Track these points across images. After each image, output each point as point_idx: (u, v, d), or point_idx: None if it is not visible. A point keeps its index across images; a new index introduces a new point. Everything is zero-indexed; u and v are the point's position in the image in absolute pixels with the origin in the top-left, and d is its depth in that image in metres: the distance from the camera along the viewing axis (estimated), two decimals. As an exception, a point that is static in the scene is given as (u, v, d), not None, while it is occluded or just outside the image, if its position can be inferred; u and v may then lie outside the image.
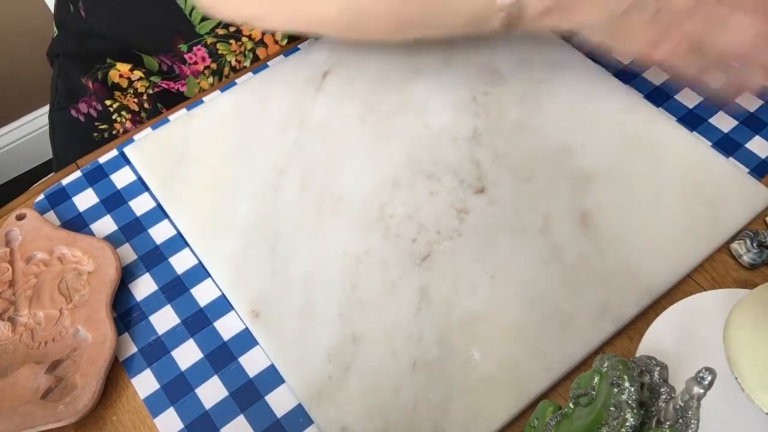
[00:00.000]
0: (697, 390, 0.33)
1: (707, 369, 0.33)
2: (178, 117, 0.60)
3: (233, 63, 0.68)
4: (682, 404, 0.35)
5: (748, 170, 0.56)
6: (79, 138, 0.73)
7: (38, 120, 1.56)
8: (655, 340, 0.47)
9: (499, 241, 0.52)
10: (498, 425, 0.45)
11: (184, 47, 0.70)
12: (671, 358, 0.43)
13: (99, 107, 0.73)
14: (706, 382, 0.33)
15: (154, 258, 0.53)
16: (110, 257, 0.51)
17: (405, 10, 0.52)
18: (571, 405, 0.39)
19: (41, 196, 0.57)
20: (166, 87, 0.72)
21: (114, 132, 0.74)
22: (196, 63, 0.71)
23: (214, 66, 0.71)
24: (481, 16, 0.51)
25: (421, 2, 0.52)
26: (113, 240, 0.54)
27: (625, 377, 0.36)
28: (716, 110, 0.60)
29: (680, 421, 0.35)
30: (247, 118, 0.59)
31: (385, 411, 0.45)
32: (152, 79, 0.72)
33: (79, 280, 0.51)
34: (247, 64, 0.70)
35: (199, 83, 0.71)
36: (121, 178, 0.57)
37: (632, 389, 0.36)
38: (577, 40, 0.64)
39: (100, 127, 0.73)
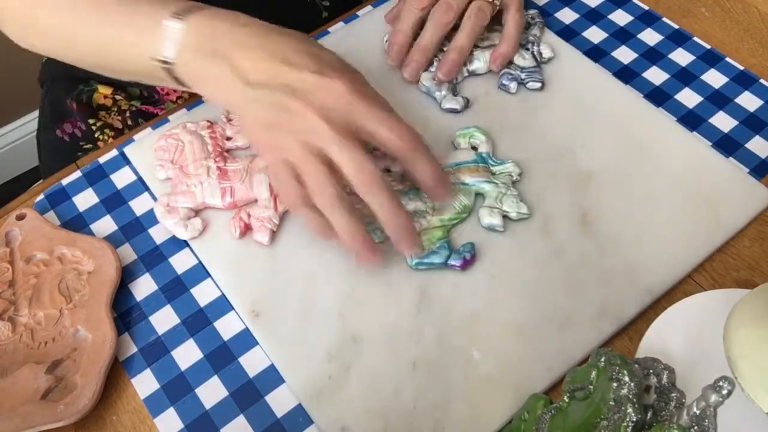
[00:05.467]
0: (715, 398, 0.33)
1: (725, 378, 0.33)
2: (178, 116, 0.60)
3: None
4: (698, 412, 0.35)
5: (748, 170, 0.56)
6: (64, 158, 0.73)
7: (34, 123, 1.56)
8: (655, 340, 0.47)
9: (499, 241, 0.52)
10: (498, 425, 0.45)
11: None
12: (671, 358, 0.43)
13: (83, 127, 0.73)
14: (725, 392, 0.33)
15: (154, 258, 0.53)
16: (110, 257, 0.51)
17: (103, 64, 0.53)
18: (566, 399, 0.39)
19: (41, 196, 0.57)
20: (146, 111, 0.72)
21: (98, 148, 0.74)
22: (168, 94, 0.71)
23: (186, 95, 0.72)
24: (156, 74, 0.50)
25: (107, 60, 0.52)
26: (113, 240, 0.54)
27: (625, 372, 0.36)
28: (716, 110, 0.60)
29: (695, 427, 0.35)
30: (247, 118, 0.59)
31: (385, 411, 0.45)
32: (132, 103, 0.72)
33: (79, 280, 0.51)
34: None
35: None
36: (121, 178, 0.57)
37: (632, 384, 0.36)
38: (576, 40, 0.64)
39: (85, 146, 0.74)
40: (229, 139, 0.57)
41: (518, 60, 0.61)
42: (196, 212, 0.54)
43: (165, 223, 0.53)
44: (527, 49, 0.61)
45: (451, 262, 0.50)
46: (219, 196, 0.53)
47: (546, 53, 0.61)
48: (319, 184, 0.45)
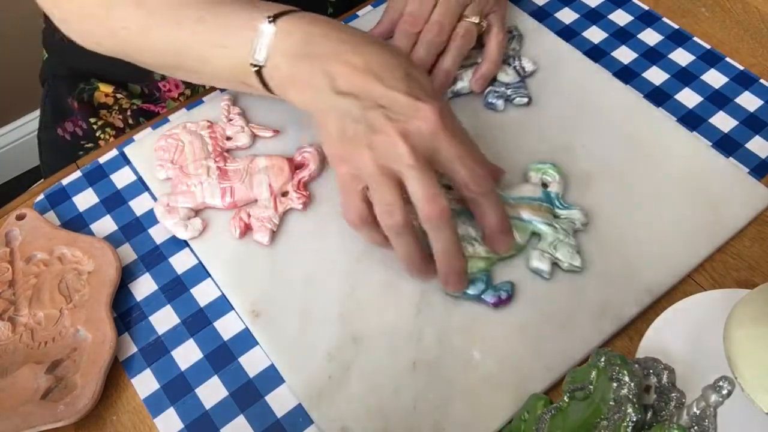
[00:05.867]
0: (715, 398, 0.33)
1: (725, 378, 0.33)
2: (178, 116, 0.60)
3: (207, 87, 0.67)
4: (698, 412, 0.35)
5: (748, 170, 0.56)
6: (65, 157, 0.73)
7: (33, 123, 1.56)
8: (655, 340, 0.47)
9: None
10: (498, 425, 0.45)
11: (157, 75, 0.71)
12: (671, 358, 0.43)
13: (84, 126, 0.73)
14: (725, 392, 0.33)
15: (154, 258, 0.53)
16: (110, 257, 0.51)
17: (179, 64, 0.52)
18: (566, 399, 0.39)
19: (41, 196, 0.57)
20: (147, 109, 0.72)
21: (99, 146, 0.74)
22: (170, 90, 0.71)
23: (188, 92, 0.72)
24: (241, 77, 0.49)
25: (185, 61, 0.51)
26: (113, 240, 0.54)
27: (625, 372, 0.36)
28: (716, 110, 0.60)
29: (695, 427, 0.35)
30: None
31: (385, 411, 0.45)
32: (134, 101, 0.72)
33: (79, 280, 0.51)
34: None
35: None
36: (121, 178, 0.57)
37: (632, 384, 0.36)
38: (576, 40, 0.64)
39: (86, 145, 0.74)
40: (229, 138, 0.57)
41: (501, 77, 0.59)
42: (196, 212, 0.54)
43: (165, 223, 0.53)
44: (509, 64, 0.60)
45: (485, 297, 0.48)
46: (219, 196, 0.53)
47: (528, 67, 0.60)
48: (388, 209, 0.45)
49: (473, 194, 0.46)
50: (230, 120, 0.58)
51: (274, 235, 0.52)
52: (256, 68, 0.48)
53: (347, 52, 0.46)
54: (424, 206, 0.44)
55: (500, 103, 0.58)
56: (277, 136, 0.58)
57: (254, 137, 0.58)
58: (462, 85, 0.59)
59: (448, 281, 0.47)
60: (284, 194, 0.54)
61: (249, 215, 0.53)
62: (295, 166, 0.55)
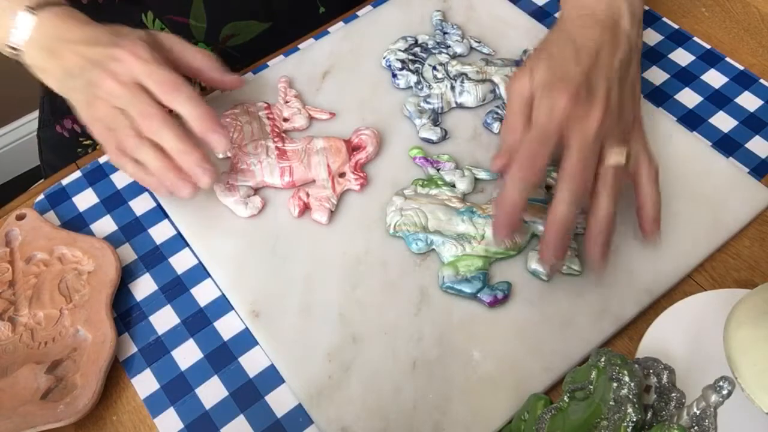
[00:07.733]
0: (715, 398, 0.33)
1: (725, 378, 0.33)
2: (178, 117, 0.60)
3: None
4: (698, 412, 0.35)
5: (748, 170, 0.56)
6: (65, 154, 0.73)
7: (33, 123, 1.56)
8: (656, 340, 0.47)
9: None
10: (498, 425, 0.45)
11: None
12: (671, 358, 0.43)
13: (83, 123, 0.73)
14: (725, 392, 0.33)
15: (154, 258, 0.53)
16: (110, 257, 0.51)
17: None
18: (566, 399, 0.39)
19: (41, 196, 0.57)
20: None
21: (97, 146, 0.74)
22: None
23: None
24: (3, 50, 0.54)
25: None
26: (113, 240, 0.54)
27: (625, 372, 0.36)
28: (716, 110, 0.60)
29: (695, 427, 0.35)
30: (247, 118, 0.59)
31: (385, 411, 0.45)
32: None
33: (79, 280, 0.51)
34: None
35: None
36: (121, 178, 0.57)
37: (632, 384, 0.36)
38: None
39: (84, 142, 0.73)
40: (286, 120, 0.58)
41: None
42: (255, 191, 0.54)
43: (225, 202, 0.54)
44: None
45: (481, 296, 0.48)
46: (278, 175, 0.54)
47: None
48: (127, 132, 0.50)
49: (163, 95, 0.51)
50: (287, 102, 0.59)
51: (331, 215, 0.53)
52: (14, 52, 0.53)
53: (76, 42, 0.52)
54: (137, 116, 0.50)
55: (496, 125, 0.57)
56: (333, 118, 0.59)
57: (311, 119, 0.59)
58: (468, 98, 0.59)
59: (196, 176, 0.50)
60: (341, 175, 0.55)
61: (308, 194, 0.53)
62: (352, 148, 0.56)
